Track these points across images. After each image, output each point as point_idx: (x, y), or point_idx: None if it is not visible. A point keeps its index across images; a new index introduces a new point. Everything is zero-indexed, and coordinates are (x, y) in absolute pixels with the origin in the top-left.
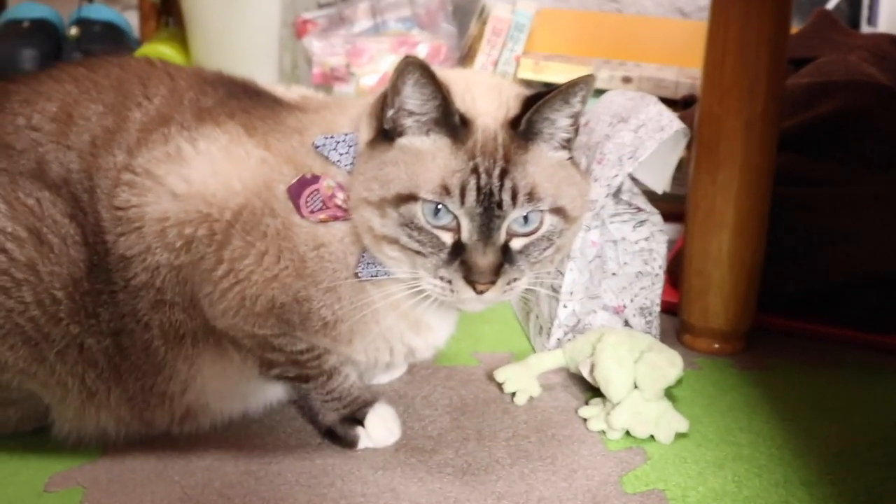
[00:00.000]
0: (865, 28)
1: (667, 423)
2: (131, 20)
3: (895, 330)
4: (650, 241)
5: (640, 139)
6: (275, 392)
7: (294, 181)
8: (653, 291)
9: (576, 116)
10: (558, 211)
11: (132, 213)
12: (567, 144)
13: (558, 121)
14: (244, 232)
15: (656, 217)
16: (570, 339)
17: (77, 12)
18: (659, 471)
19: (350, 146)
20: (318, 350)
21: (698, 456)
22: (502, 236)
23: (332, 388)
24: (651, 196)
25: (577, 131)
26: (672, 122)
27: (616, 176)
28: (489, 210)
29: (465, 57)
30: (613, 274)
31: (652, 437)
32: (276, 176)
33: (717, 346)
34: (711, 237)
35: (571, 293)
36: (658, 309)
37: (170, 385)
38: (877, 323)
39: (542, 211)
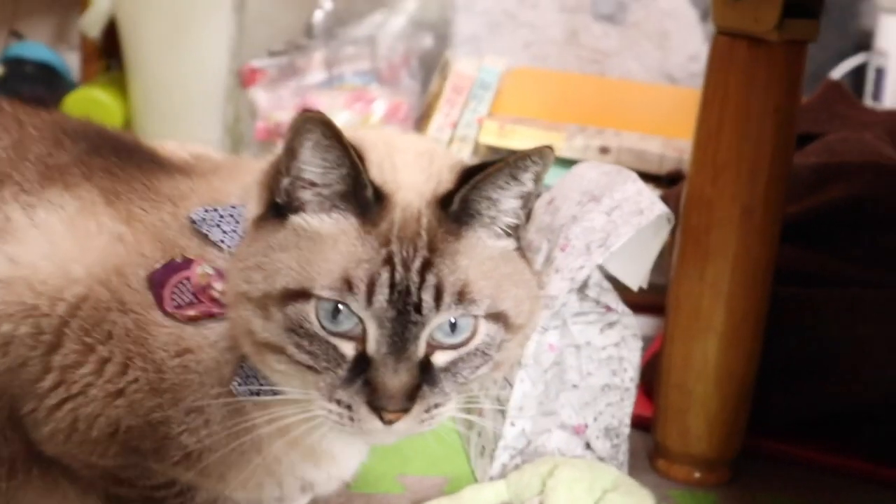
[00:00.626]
0: (870, 103)
1: None
2: (73, 61)
3: None
4: (620, 347)
5: (613, 223)
6: None
7: (159, 266)
8: (621, 409)
9: (526, 197)
10: (497, 317)
11: None
12: (514, 232)
13: (502, 202)
14: (82, 332)
15: (629, 318)
16: (517, 466)
17: (6, 50)
18: None
19: (237, 222)
20: (182, 485)
21: None
22: (421, 349)
23: None
24: (622, 287)
25: (528, 216)
26: (653, 205)
27: (582, 268)
28: (404, 314)
29: (423, 117)
30: (574, 386)
31: None
32: (135, 259)
33: (697, 475)
34: (695, 344)
35: (521, 408)
36: (627, 430)
37: None
38: (891, 454)
39: (475, 316)
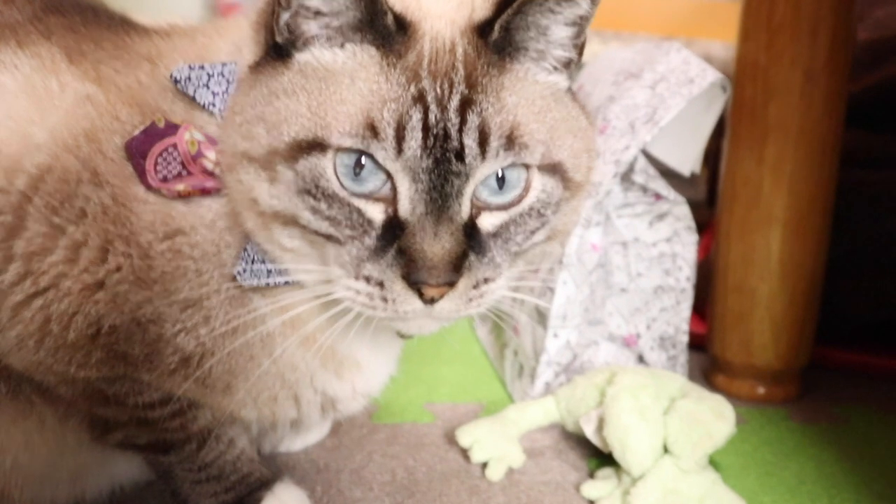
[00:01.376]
0: None
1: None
2: None
3: None
4: (673, 242)
5: (659, 97)
6: (125, 467)
7: (138, 132)
8: (677, 314)
9: (581, 24)
10: (553, 169)
11: None
12: (566, 67)
13: (552, 29)
14: (48, 210)
15: (681, 208)
16: (563, 384)
17: None
18: None
19: (230, 82)
20: (181, 402)
21: None
22: (466, 208)
23: (207, 462)
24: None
25: (581, 49)
26: (705, 72)
27: (627, 148)
28: (443, 164)
29: None
30: (622, 290)
31: None
32: (108, 123)
33: (762, 390)
34: (756, 237)
35: (564, 317)
36: (686, 338)
37: None
38: None
39: (527, 167)
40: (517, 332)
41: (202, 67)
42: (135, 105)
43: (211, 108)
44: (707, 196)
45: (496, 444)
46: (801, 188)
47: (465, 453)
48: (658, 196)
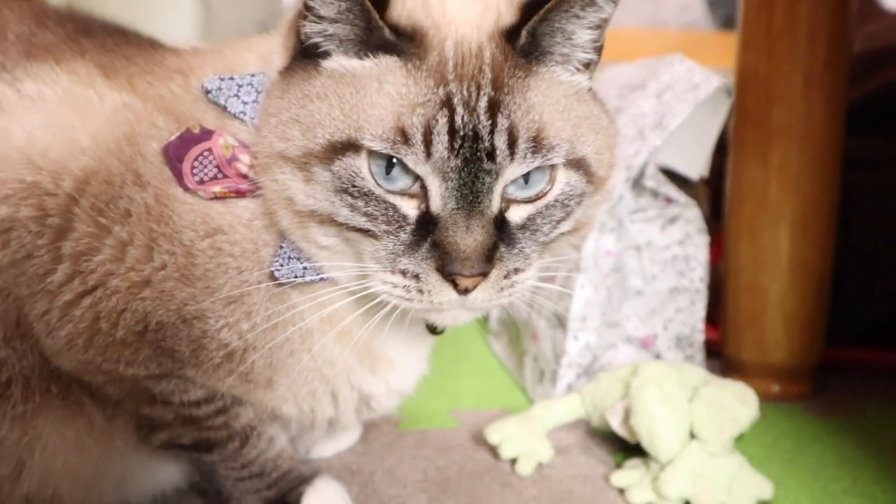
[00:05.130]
0: None
1: (744, 486)
2: None
3: None
4: (685, 244)
5: (666, 104)
6: (167, 473)
7: (174, 137)
8: (692, 314)
9: (602, 25)
10: (578, 164)
11: None
12: (587, 68)
13: (577, 34)
14: (94, 211)
15: (693, 211)
16: (583, 385)
17: None
18: None
19: (259, 91)
20: (225, 400)
21: None
22: (496, 203)
23: (249, 460)
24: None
25: (601, 50)
26: (709, 79)
27: (638, 153)
28: (473, 163)
29: None
30: (638, 292)
31: None
32: (146, 128)
33: (778, 388)
34: (765, 238)
35: (584, 319)
36: (702, 337)
37: None
38: None
39: (553, 165)
40: (536, 339)
41: (232, 78)
42: (170, 113)
43: (242, 116)
44: (710, 210)
45: (524, 440)
46: (807, 189)
47: (493, 453)
48: (669, 200)
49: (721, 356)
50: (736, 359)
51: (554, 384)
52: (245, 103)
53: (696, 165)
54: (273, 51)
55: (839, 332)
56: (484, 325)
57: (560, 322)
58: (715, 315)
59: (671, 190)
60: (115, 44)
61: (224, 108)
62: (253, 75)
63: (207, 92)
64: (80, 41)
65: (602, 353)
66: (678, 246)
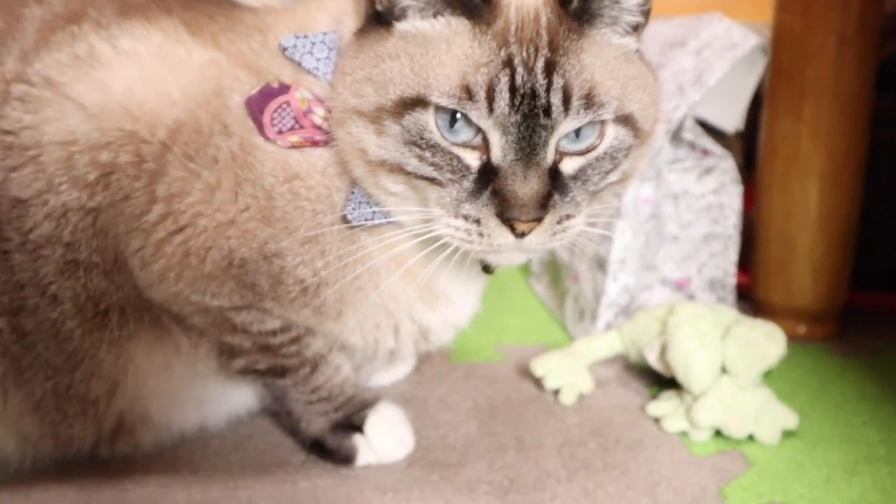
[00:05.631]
0: None
1: (771, 417)
2: None
3: None
4: (720, 193)
5: (705, 61)
6: (241, 397)
7: (255, 91)
8: (725, 258)
9: None
10: (626, 120)
11: (26, 136)
12: (635, 31)
13: None
14: (186, 157)
15: (728, 162)
16: (621, 323)
17: None
18: (771, 479)
19: (330, 49)
20: (298, 330)
21: (818, 459)
22: (551, 155)
23: (318, 385)
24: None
25: (648, 14)
26: (747, 37)
27: (677, 107)
28: (531, 118)
29: None
30: (674, 238)
31: (751, 436)
32: (230, 82)
33: (804, 329)
34: (796, 189)
35: (623, 261)
36: (734, 280)
37: (92, 385)
38: None
39: (603, 121)
40: (577, 280)
41: (306, 37)
42: (250, 68)
43: (315, 71)
44: (744, 161)
45: (567, 373)
46: (837, 144)
47: (537, 384)
48: (705, 152)
49: (751, 299)
50: (765, 301)
51: (594, 322)
52: (318, 60)
53: (732, 119)
54: (343, 11)
55: (863, 278)
56: (526, 268)
57: (600, 265)
58: (746, 260)
59: (707, 142)
60: (198, 1)
61: (299, 65)
62: (325, 34)
63: (284, 49)
64: (165, 1)
65: (639, 294)
66: (713, 195)
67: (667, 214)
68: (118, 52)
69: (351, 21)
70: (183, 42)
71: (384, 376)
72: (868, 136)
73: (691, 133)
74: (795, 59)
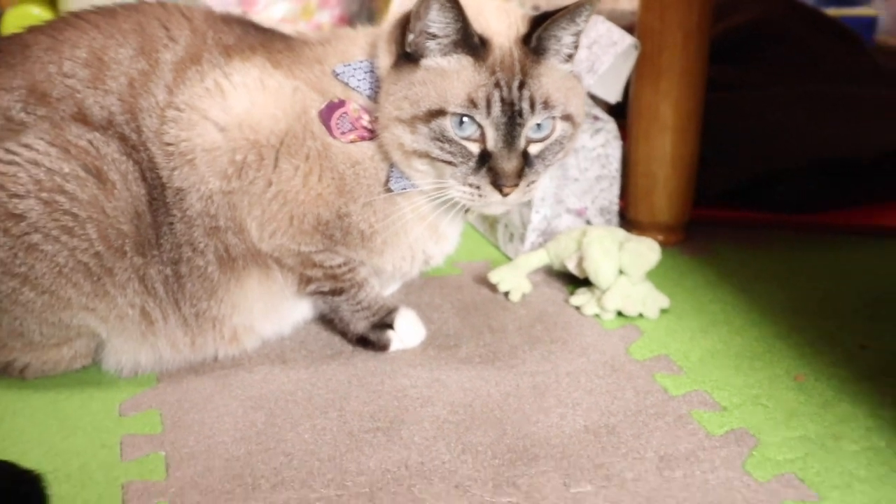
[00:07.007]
0: None
1: (652, 301)
2: None
3: (818, 210)
4: (606, 146)
5: (595, 54)
6: (302, 311)
7: (323, 106)
8: (611, 192)
9: (578, 34)
10: (567, 117)
11: (183, 146)
12: (570, 59)
13: (564, 38)
14: (289, 155)
15: (611, 125)
16: (541, 244)
17: None
18: (657, 340)
19: (366, 73)
20: (353, 263)
21: (684, 325)
22: (523, 143)
23: (361, 299)
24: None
25: (577, 47)
26: (624, 37)
27: None
28: (511, 119)
29: None
30: (576, 179)
31: (640, 314)
32: (309, 102)
33: (661, 237)
34: (656, 140)
35: (543, 199)
36: (617, 207)
37: (221, 308)
38: (796, 205)
39: (554, 118)
40: (508, 212)
41: (350, 65)
42: (317, 90)
43: (358, 89)
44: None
45: (513, 279)
46: (683, 107)
47: (491, 288)
48: (596, 118)
49: (627, 219)
50: (636, 220)
51: (522, 243)
52: (359, 80)
53: (614, 94)
54: (372, 45)
55: (700, 198)
56: None
57: (526, 202)
58: (624, 192)
59: (598, 111)
60: (269, 40)
61: (347, 84)
62: (361, 62)
63: (337, 74)
64: (248, 40)
65: (553, 220)
66: (601, 147)
67: (570, 163)
68: (234, 85)
69: (385, 57)
70: (273, 75)
71: (384, 292)
72: (704, 100)
73: (587, 105)
74: (655, 49)
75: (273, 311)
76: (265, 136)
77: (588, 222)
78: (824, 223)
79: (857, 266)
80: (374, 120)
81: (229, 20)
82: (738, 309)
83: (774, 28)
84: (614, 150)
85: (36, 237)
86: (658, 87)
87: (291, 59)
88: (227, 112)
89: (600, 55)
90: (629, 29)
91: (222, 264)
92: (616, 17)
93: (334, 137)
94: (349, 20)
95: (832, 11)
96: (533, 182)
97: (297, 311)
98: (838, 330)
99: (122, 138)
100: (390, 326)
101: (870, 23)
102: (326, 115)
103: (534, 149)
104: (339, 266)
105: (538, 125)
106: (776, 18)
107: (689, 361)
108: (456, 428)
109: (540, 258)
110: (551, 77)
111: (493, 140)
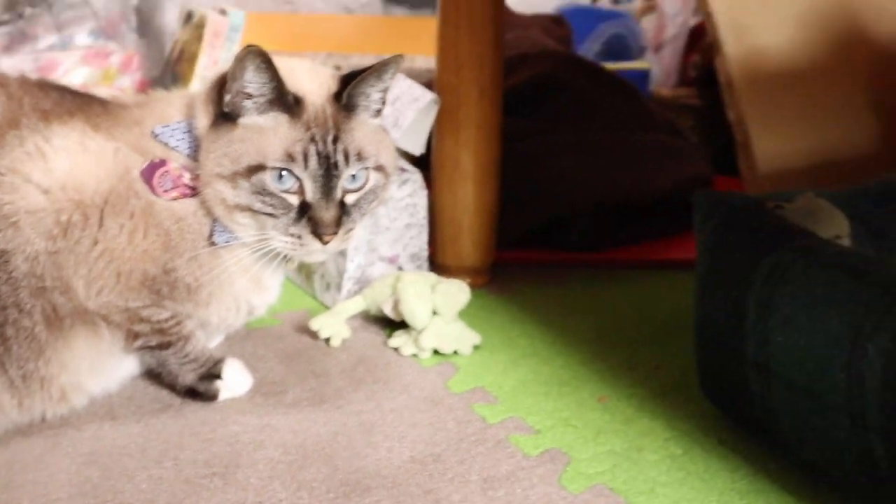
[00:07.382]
0: None
1: (465, 338)
2: None
3: (608, 247)
4: (413, 196)
5: (398, 110)
6: (129, 367)
7: (145, 165)
8: (420, 239)
9: (385, 90)
10: (380, 168)
11: (6, 209)
12: (378, 114)
13: (372, 94)
14: (114, 214)
15: (417, 176)
16: (357, 290)
17: None
18: (472, 374)
19: (184, 133)
20: (180, 316)
21: (497, 359)
22: (339, 193)
23: (189, 351)
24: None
25: (384, 102)
26: (424, 93)
27: None
28: (328, 171)
29: (179, 59)
30: (387, 228)
31: (455, 351)
32: (131, 162)
33: (470, 279)
34: (459, 189)
35: (357, 248)
36: (426, 253)
37: (49, 368)
38: (588, 245)
39: (367, 168)
40: (323, 263)
41: (168, 126)
42: (138, 150)
43: (178, 149)
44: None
45: (333, 326)
46: (482, 157)
47: (312, 336)
48: (403, 169)
49: (435, 264)
50: (443, 265)
51: (339, 291)
52: (178, 140)
53: (417, 147)
54: (188, 105)
55: (503, 242)
56: None
57: (341, 251)
58: (433, 239)
59: (404, 163)
60: (86, 104)
61: (166, 145)
62: (179, 122)
63: (156, 135)
64: (65, 105)
65: (367, 268)
66: (409, 197)
67: (381, 213)
68: (55, 149)
69: (203, 117)
70: (93, 138)
71: (212, 343)
72: (501, 150)
73: None
74: (454, 104)
75: (100, 367)
76: (89, 196)
77: (400, 268)
78: (614, 259)
79: (647, 296)
80: (196, 177)
81: (44, 86)
82: (544, 341)
83: (559, 81)
84: (421, 199)
85: None
86: (458, 139)
87: (110, 121)
88: (49, 175)
89: (403, 110)
90: (428, 85)
91: (49, 324)
92: (414, 75)
93: (157, 195)
94: (151, 84)
95: (610, 65)
96: (351, 230)
97: (125, 366)
98: (635, 354)
99: None
100: (218, 376)
101: (644, 75)
102: (148, 174)
103: (350, 198)
104: (167, 320)
105: (353, 176)
106: (560, 72)
107: (503, 391)
108: (289, 467)
109: (357, 304)
110: (363, 131)
111: (311, 191)
